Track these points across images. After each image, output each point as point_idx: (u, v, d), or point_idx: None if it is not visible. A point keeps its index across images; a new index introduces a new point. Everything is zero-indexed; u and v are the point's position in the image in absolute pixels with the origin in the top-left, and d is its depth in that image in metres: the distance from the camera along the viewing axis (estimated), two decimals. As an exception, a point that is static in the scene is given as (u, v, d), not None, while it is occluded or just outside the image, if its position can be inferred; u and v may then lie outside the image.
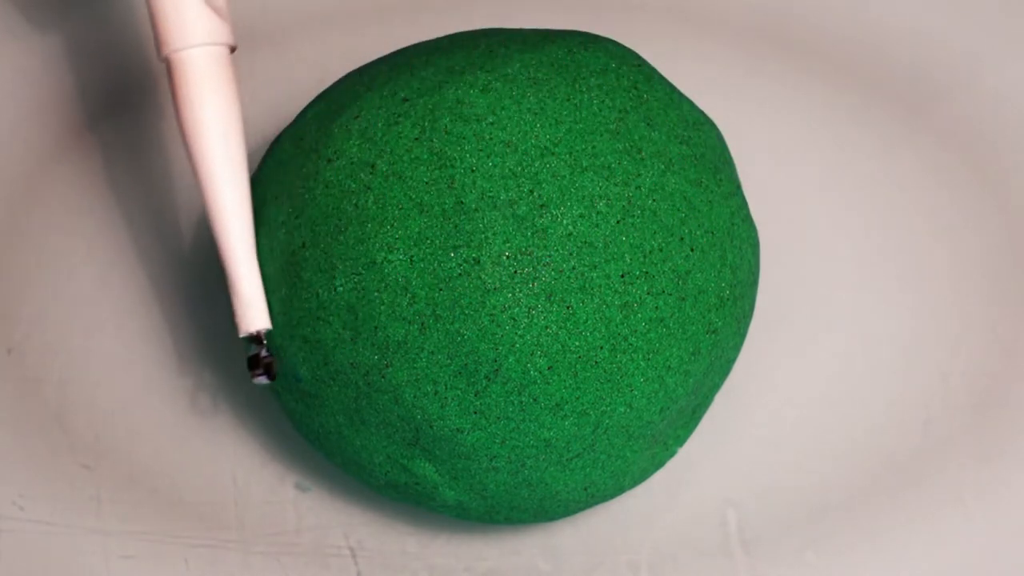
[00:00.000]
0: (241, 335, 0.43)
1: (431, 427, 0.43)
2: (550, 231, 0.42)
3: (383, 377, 0.43)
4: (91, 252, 0.51)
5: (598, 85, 0.44)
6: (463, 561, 0.47)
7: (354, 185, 0.43)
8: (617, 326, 0.42)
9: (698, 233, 0.44)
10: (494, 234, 0.42)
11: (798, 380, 0.50)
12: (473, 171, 0.42)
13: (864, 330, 0.50)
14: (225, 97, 0.44)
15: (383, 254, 0.42)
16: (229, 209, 0.43)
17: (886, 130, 0.53)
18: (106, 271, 0.51)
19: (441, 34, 0.54)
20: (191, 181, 0.52)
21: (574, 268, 0.42)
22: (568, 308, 0.42)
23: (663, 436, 0.45)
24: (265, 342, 0.43)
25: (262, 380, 0.43)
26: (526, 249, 0.42)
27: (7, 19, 0.54)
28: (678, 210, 0.43)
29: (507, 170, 0.42)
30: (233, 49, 0.45)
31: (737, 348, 0.45)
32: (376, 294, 0.42)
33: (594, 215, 0.42)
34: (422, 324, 0.42)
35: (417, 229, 0.42)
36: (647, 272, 0.42)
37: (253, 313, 0.43)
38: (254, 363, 0.43)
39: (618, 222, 0.42)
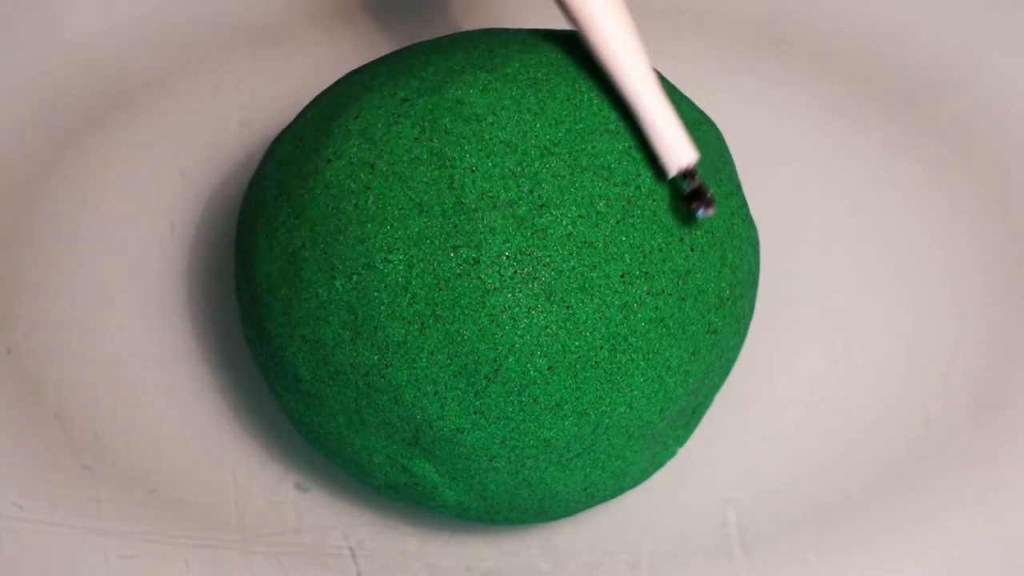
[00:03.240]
0: (672, 174, 0.43)
1: (431, 427, 0.43)
2: (550, 231, 0.42)
3: (383, 377, 0.43)
4: (91, 252, 0.51)
5: (598, 85, 0.44)
6: (463, 561, 0.47)
7: (354, 185, 0.43)
8: (617, 326, 0.42)
9: (698, 233, 0.43)
10: (494, 234, 0.42)
11: (798, 380, 0.50)
12: (473, 171, 0.42)
13: (864, 330, 0.50)
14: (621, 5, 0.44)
15: (383, 254, 0.42)
16: (639, 68, 0.43)
17: (886, 130, 0.53)
18: (106, 271, 0.51)
19: (441, 34, 0.54)
20: (190, 181, 0.52)
21: (574, 268, 0.42)
22: (568, 308, 0.42)
23: (663, 436, 0.45)
24: (697, 174, 0.43)
25: (707, 213, 0.43)
26: (526, 249, 0.42)
27: (8, 20, 0.54)
28: (678, 210, 0.43)
29: (507, 170, 0.42)
30: None
31: (737, 348, 0.45)
32: (376, 294, 0.42)
33: (594, 215, 0.42)
34: (422, 324, 0.42)
35: (417, 229, 0.42)
36: (647, 272, 0.42)
37: (681, 148, 0.43)
38: (698, 195, 0.43)
39: (618, 222, 0.42)
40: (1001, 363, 0.50)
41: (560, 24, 0.54)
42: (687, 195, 0.43)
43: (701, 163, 0.44)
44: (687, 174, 0.43)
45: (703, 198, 0.43)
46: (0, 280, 0.50)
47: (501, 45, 0.45)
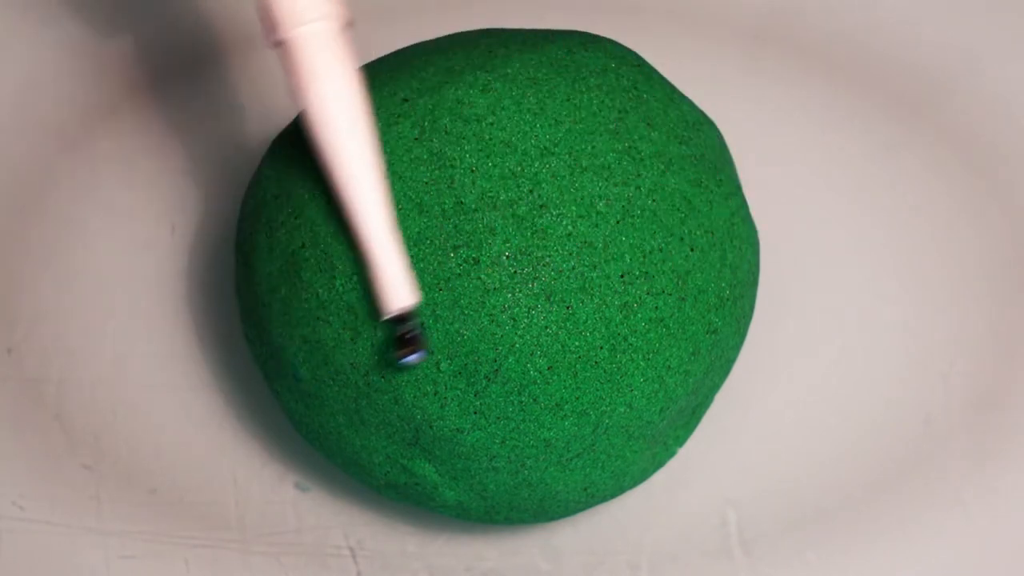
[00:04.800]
0: (385, 317, 0.41)
1: (431, 427, 0.43)
2: (550, 231, 0.42)
3: (383, 377, 0.43)
4: (91, 252, 0.51)
5: (598, 85, 0.44)
6: (463, 561, 0.47)
7: (354, 185, 0.43)
8: (617, 326, 0.42)
9: (698, 233, 0.43)
10: (494, 234, 0.42)
11: (798, 380, 0.50)
12: (473, 171, 0.42)
13: (864, 330, 0.50)
14: (347, 73, 0.42)
15: (383, 254, 0.42)
16: (365, 187, 0.41)
17: (886, 130, 0.53)
18: (106, 271, 0.51)
19: (441, 34, 0.54)
20: (190, 182, 0.52)
21: (574, 268, 0.42)
22: (568, 308, 0.42)
23: (663, 436, 0.45)
24: (412, 318, 0.41)
25: (413, 360, 0.41)
26: (526, 249, 0.42)
27: (9, 21, 0.54)
28: (678, 210, 0.43)
29: (507, 170, 0.42)
30: (350, 24, 0.42)
31: (737, 348, 0.45)
32: (376, 294, 0.42)
33: (594, 215, 0.42)
34: (422, 324, 0.42)
35: (417, 229, 0.42)
36: (647, 272, 0.42)
37: (399, 291, 0.41)
38: (409, 342, 0.41)
39: (618, 222, 0.42)
40: (1001, 363, 0.50)
41: (560, 24, 0.54)
42: (396, 339, 0.41)
43: (702, 163, 0.44)
44: (401, 318, 0.41)
45: (414, 344, 0.41)
46: (0, 280, 0.50)
47: (501, 45, 0.45)
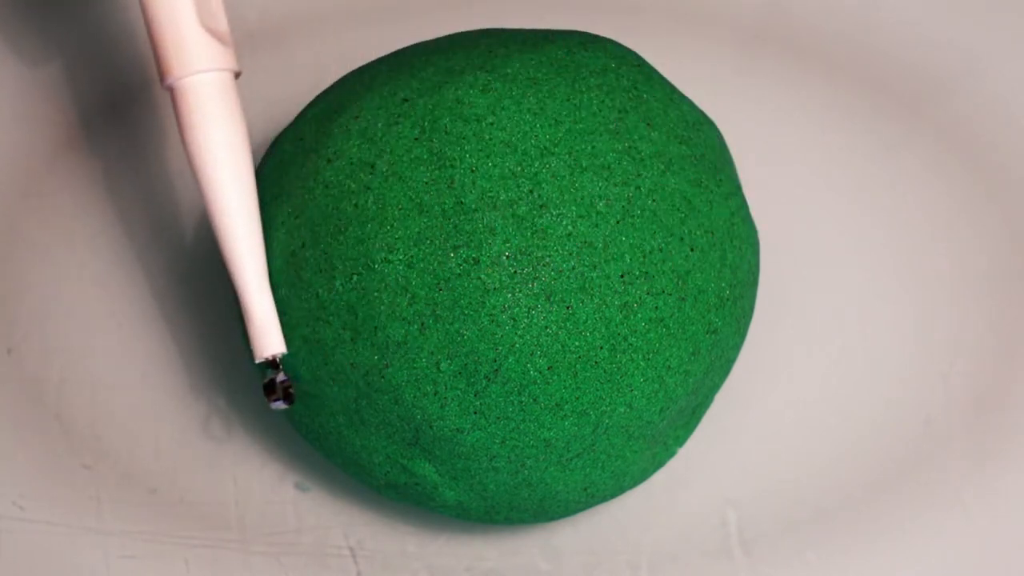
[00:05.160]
0: (257, 360, 0.43)
1: (431, 427, 0.43)
2: (550, 231, 0.42)
3: (383, 377, 0.43)
4: (91, 252, 0.51)
5: (598, 85, 0.44)
6: (463, 561, 0.47)
7: (354, 185, 0.43)
8: (617, 326, 0.42)
9: (698, 233, 0.43)
10: (494, 234, 0.42)
11: (798, 380, 0.50)
12: (473, 171, 0.42)
13: (864, 330, 0.50)
14: (232, 123, 0.43)
15: (383, 254, 0.42)
16: (240, 235, 0.43)
17: (886, 130, 0.53)
18: (106, 271, 0.51)
19: (441, 34, 0.54)
20: (190, 182, 0.52)
21: (574, 268, 0.42)
22: (568, 308, 0.42)
23: (663, 436, 0.45)
24: (281, 367, 0.43)
25: (280, 406, 0.43)
26: (526, 249, 0.42)
27: (7, 21, 0.54)
28: (678, 210, 0.43)
29: (507, 170, 0.42)
30: (237, 75, 0.44)
31: (737, 348, 0.45)
32: (376, 294, 0.42)
33: (594, 215, 0.42)
34: (422, 324, 0.42)
35: (417, 229, 0.42)
36: (647, 272, 0.42)
37: (268, 339, 0.43)
38: (271, 388, 0.43)
39: (618, 222, 0.42)
40: (1001, 363, 0.50)
41: (560, 24, 0.54)
42: (264, 384, 0.43)
43: (702, 163, 0.44)
44: (271, 364, 0.43)
45: (276, 392, 0.43)
46: (0, 280, 0.50)
47: (501, 45, 0.45)
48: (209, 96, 0.43)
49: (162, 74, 0.44)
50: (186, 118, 0.43)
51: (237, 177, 0.43)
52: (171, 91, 0.44)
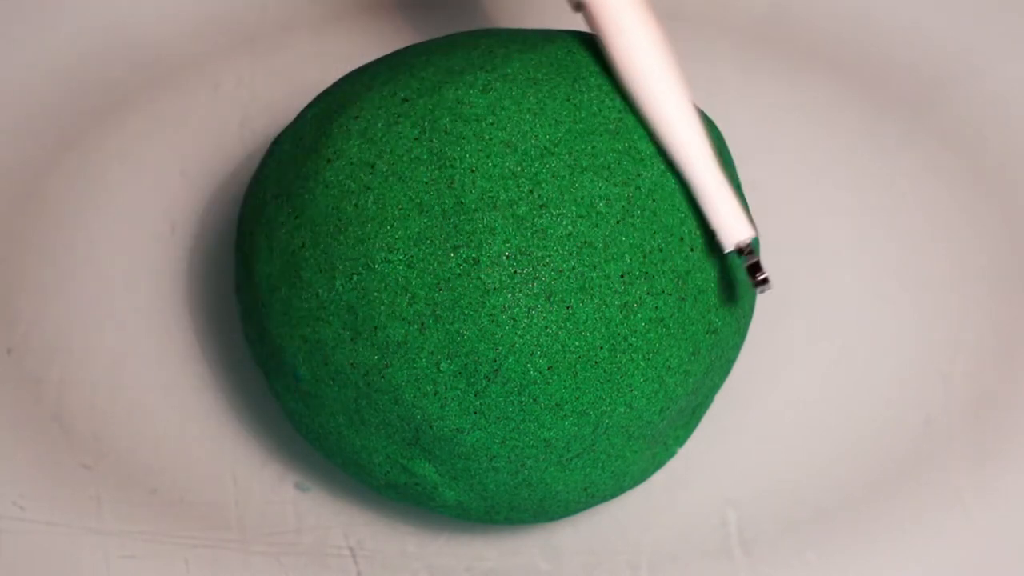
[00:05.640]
0: (728, 249, 0.43)
1: (431, 427, 0.43)
2: (550, 231, 0.42)
3: (383, 377, 0.43)
4: (91, 252, 0.51)
5: (598, 85, 0.44)
6: (463, 561, 0.47)
7: (354, 185, 0.43)
8: (617, 326, 0.42)
9: (698, 233, 0.43)
10: (494, 234, 0.42)
11: (798, 380, 0.50)
12: (473, 171, 0.42)
13: (864, 330, 0.50)
14: (647, 23, 0.44)
15: (383, 254, 0.42)
16: (686, 130, 0.43)
17: (886, 130, 0.53)
18: (106, 271, 0.51)
19: (441, 34, 0.54)
20: (190, 182, 0.52)
21: (574, 268, 0.42)
22: (568, 308, 0.42)
23: (663, 436, 0.45)
24: (753, 251, 0.43)
25: (767, 287, 0.43)
26: (526, 249, 0.42)
27: (7, 20, 0.54)
28: (678, 210, 0.43)
29: (507, 170, 0.42)
30: None
31: (737, 348, 0.45)
32: (376, 294, 0.42)
33: (594, 215, 0.42)
34: (422, 324, 0.42)
35: (417, 229, 0.42)
36: (647, 272, 0.42)
37: (739, 225, 0.43)
38: (757, 268, 0.43)
39: (618, 222, 0.42)
40: (1001, 363, 0.50)
41: (560, 24, 0.54)
42: (748, 268, 0.43)
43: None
44: (742, 251, 0.43)
45: (761, 270, 0.43)
46: (0, 280, 0.50)
47: (501, 45, 0.45)
48: (620, 6, 0.44)
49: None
50: (605, 28, 0.44)
51: (666, 76, 0.44)
52: (583, 8, 0.45)
